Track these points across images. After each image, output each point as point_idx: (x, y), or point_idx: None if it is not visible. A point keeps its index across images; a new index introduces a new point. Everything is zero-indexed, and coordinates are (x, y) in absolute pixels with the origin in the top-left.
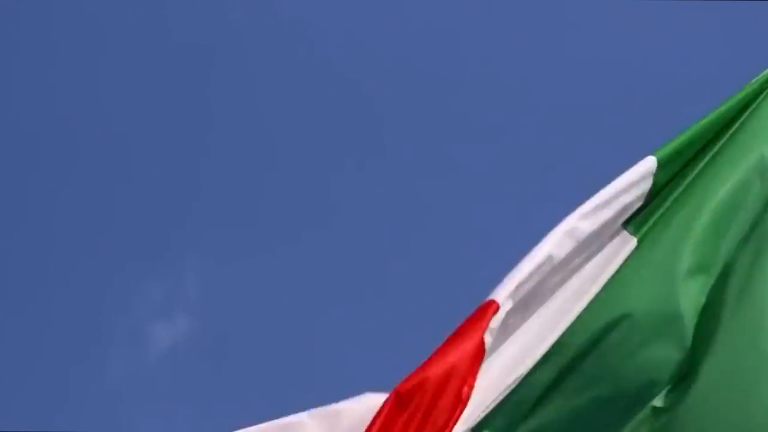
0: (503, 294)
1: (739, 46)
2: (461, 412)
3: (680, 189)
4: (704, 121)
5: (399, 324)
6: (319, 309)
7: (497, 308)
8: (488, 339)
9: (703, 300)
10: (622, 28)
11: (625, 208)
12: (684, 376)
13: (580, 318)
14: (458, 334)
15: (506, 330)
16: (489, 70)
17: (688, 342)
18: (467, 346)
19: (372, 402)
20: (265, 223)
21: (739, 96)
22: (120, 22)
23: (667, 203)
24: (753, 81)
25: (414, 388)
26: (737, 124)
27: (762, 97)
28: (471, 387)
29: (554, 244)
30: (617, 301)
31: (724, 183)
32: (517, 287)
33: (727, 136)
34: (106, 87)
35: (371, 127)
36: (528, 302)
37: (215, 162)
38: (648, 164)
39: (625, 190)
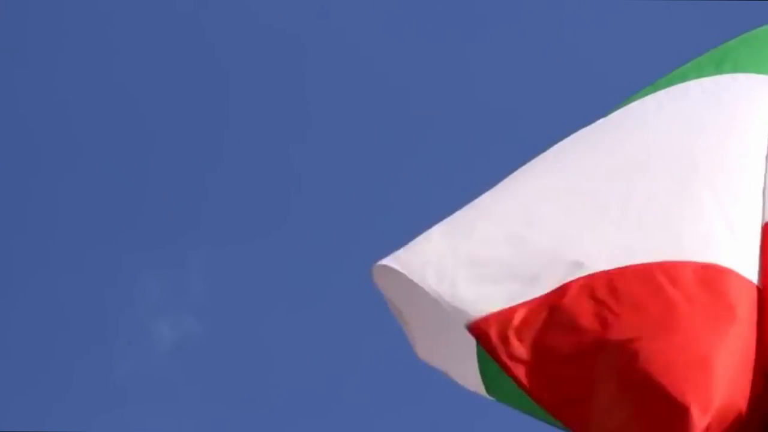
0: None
1: None
2: None
3: None
4: None
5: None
6: (325, 306)
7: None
8: None
9: None
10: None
11: None
12: None
13: None
14: None
15: None
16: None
17: None
18: None
19: None
20: (269, 218)
21: None
22: (128, 20)
23: None
24: None
25: None
26: None
27: None
28: None
29: None
30: None
31: None
32: None
33: None
34: (108, 82)
35: (381, 124)
36: None
37: (218, 155)
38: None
39: None
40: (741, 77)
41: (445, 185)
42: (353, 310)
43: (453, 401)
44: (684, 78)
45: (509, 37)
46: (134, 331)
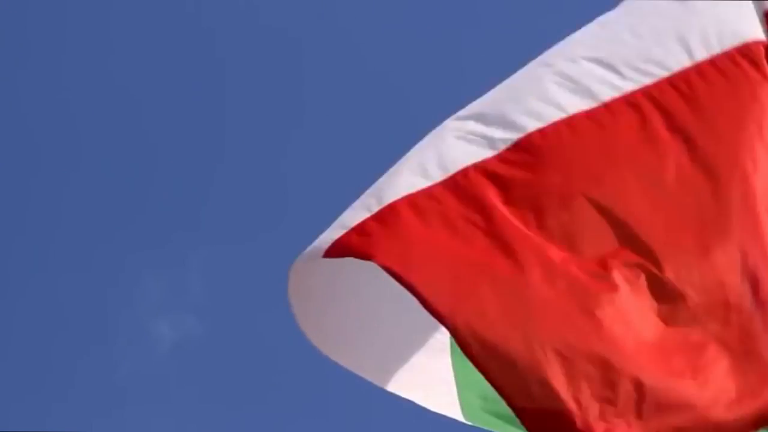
0: None
1: None
2: None
3: None
4: None
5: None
6: None
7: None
8: None
9: None
10: None
11: None
12: None
13: None
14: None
15: None
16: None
17: None
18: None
19: None
20: (269, 218)
21: None
22: (128, 20)
23: None
24: None
25: None
26: None
27: None
28: None
29: None
30: None
31: None
32: None
33: None
34: (108, 82)
35: (388, 122)
36: None
37: (218, 156)
38: None
39: None
40: None
41: None
42: None
43: None
44: None
45: (508, 36)
46: (134, 331)
